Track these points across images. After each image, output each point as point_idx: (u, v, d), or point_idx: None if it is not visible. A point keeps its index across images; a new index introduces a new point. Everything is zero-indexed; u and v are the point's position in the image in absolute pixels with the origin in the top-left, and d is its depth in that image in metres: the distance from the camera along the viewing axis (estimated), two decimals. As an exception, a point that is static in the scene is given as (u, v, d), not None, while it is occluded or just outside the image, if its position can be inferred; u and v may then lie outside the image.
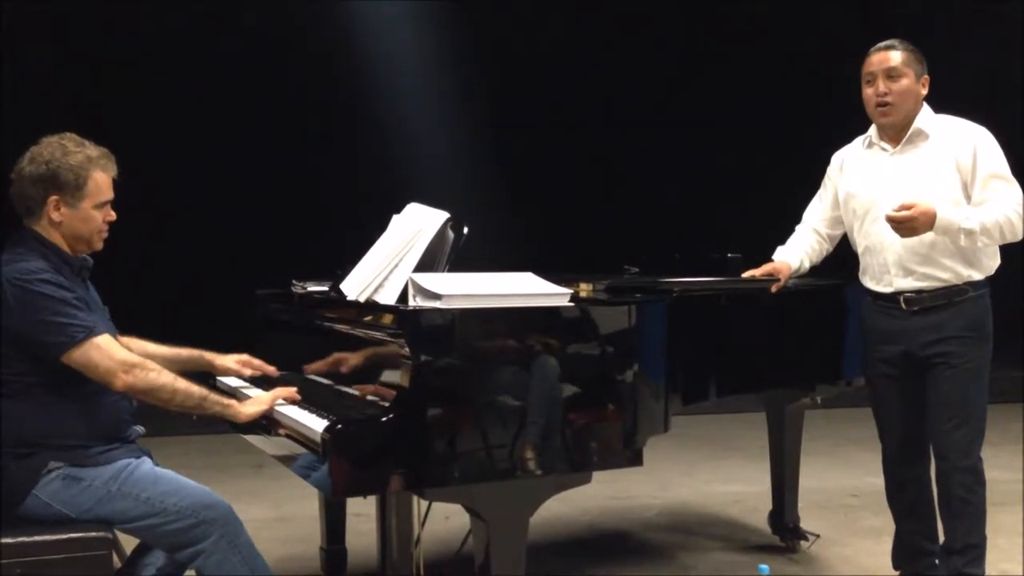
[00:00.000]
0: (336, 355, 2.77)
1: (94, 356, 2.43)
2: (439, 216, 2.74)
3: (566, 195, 7.63)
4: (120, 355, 2.47)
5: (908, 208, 2.89)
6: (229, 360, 2.97)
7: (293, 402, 2.62)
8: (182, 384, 2.54)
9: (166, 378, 2.51)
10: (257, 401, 2.64)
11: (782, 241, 3.49)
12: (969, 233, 2.93)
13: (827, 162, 3.43)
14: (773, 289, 3.30)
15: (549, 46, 7.74)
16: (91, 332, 2.44)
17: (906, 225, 2.90)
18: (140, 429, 2.70)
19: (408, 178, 7.16)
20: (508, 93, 7.68)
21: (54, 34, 6.90)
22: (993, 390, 3.19)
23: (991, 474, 3.11)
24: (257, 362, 2.97)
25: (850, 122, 3.34)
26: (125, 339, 2.73)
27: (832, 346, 3.58)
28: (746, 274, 3.36)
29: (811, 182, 3.52)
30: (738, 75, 7.82)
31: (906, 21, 3.21)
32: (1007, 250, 3.10)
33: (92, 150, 2.55)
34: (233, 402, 2.64)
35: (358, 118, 7.62)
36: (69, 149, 2.52)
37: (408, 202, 2.90)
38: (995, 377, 3.17)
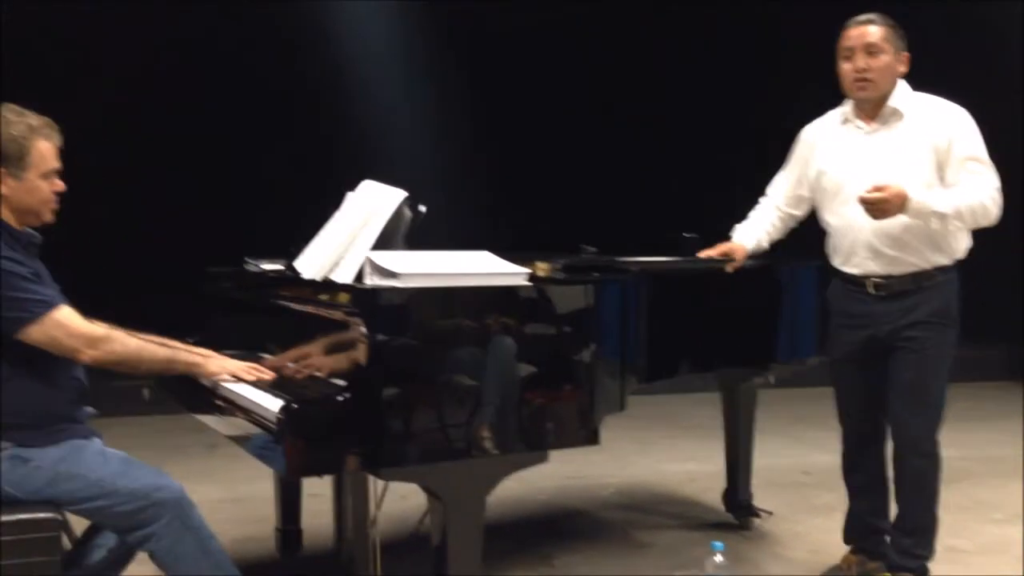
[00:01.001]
0: (292, 335, 2.74)
1: (56, 332, 2.39)
2: (397, 194, 2.71)
3: (525, 175, 7.62)
4: (84, 329, 2.43)
5: (880, 190, 2.86)
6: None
7: (253, 381, 2.58)
8: (147, 351, 2.52)
9: (131, 347, 2.48)
10: (227, 363, 2.61)
11: (738, 221, 3.50)
12: (942, 216, 2.91)
13: (785, 138, 3.40)
14: (728, 269, 3.32)
15: (522, 26, 7.71)
16: (50, 306, 2.39)
17: (878, 207, 2.88)
18: (91, 410, 2.65)
19: (366, 158, 7.09)
20: (472, 71, 7.63)
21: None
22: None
23: (938, 451, 3.17)
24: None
25: (806, 97, 3.35)
26: (98, 323, 2.67)
27: (786, 325, 3.61)
28: (702, 254, 3.38)
29: (769, 162, 3.52)
30: (699, 57, 7.84)
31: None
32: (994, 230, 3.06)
33: (33, 119, 2.48)
34: (199, 359, 2.61)
35: (315, 100, 7.54)
36: (9, 120, 2.45)
37: (365, 180, 2.87)
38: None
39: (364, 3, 7.67)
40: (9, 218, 2.48)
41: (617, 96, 7.81)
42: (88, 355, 2.43)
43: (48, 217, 2.56)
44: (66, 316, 2.42)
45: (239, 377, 2.59)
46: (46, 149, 2.50)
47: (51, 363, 2.44)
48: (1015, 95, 6.99)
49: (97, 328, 2.47)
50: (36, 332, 2.38)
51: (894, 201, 2.87)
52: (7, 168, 2.44)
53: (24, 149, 2.45)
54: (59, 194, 2.56)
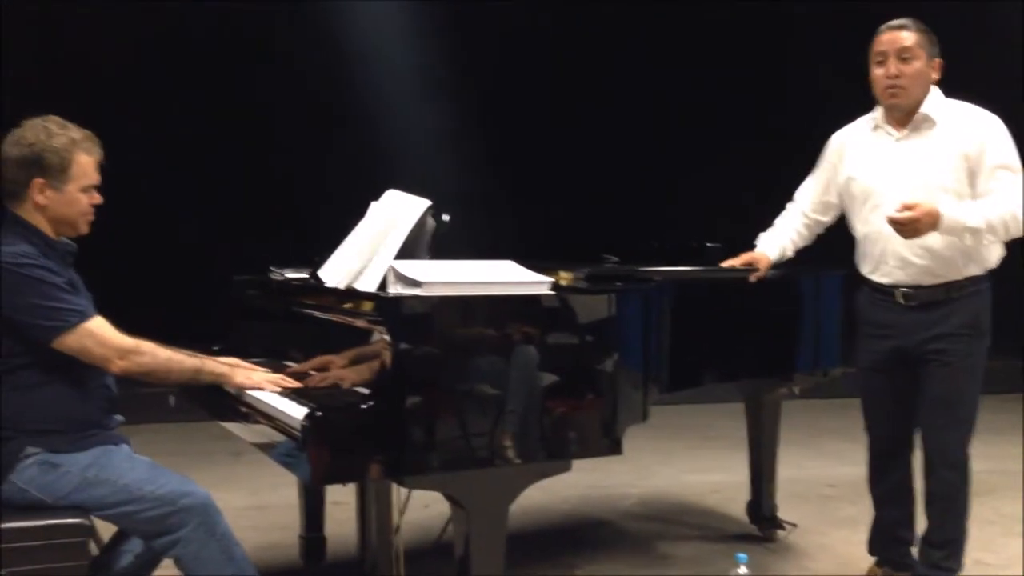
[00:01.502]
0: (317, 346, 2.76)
1: (87, 342, 2.43)
2: (420, 203, 2.73)
3: (548, 186, 7.62)
4: (115, 340, 2.46)
5: (911, 208, 2.80)
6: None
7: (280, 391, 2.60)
8: (175, 361, 2.55)
9: (160, 358, 2.52)
10: (252, 375, 2.63)
11: (760, 232, 3.49)
12: (975, 232, 2.86)
13: (811, 145, 3.38)
14: (752, 279, 3.30)
15: (535, 35, 7.73)
16: (84, 316, 2.43)
17: (909, 227, 2.82)
18: (119, 418, 2.68)
19: (389, 166, 7.13)
20: (492, 83, 7.65)
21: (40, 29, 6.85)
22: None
23: (966, 463, 3.14)
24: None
25: (829, 108, 3.33)
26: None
27: (809, 335, 3.60)
28: (725, 264, 3.37)
29: (792, 170, 3.51)
30: (721, 67, 7.82)
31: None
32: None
33: (76, 132, 2.53)
34: (225, 369, 2.64)
35: (338, 109, 7.58)
36: (53, 131, 2.49)
37: (388, 188, 2.89)
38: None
39: (393, 29, 7.68)
40: (46, 228, 2.52)
41: (639, 103, 7.80)
42: (118, 365, 2.46)
43: (84, 229, 2.60)
44: (98, 326, 2.46)
45: (265, 389, 2.61)
46: (87, 163, 2.54)
47: (82, 371, 2.48)
48: (1015, 95, 6.93)
49: (128, 339, 2.50)
50: (69, 341, 2.42)
51: (925, 220, 2.80)
52: (47, 179, 2.49)
53: (66, 162, 2.49)
54: (95, 207, 2.60)
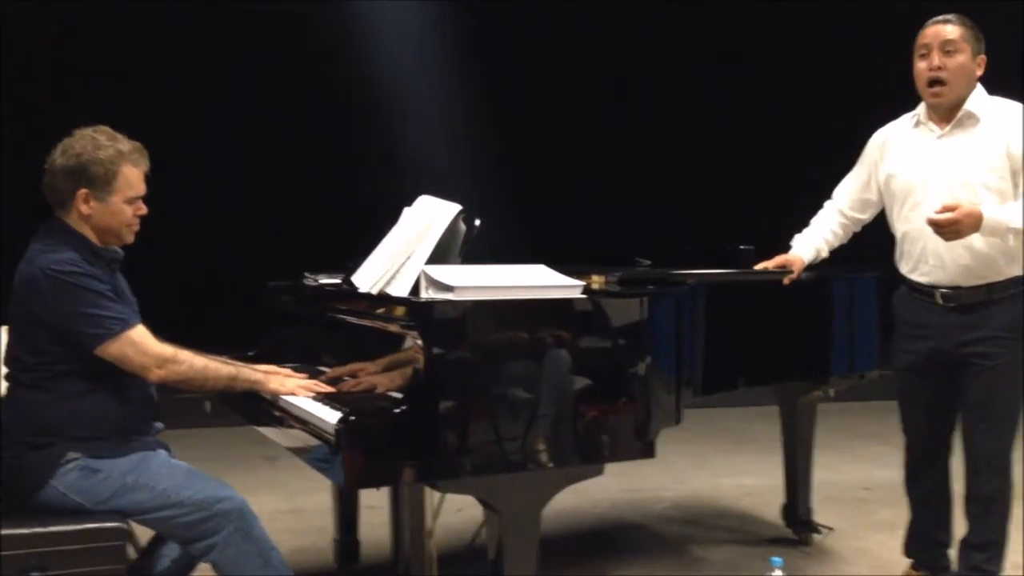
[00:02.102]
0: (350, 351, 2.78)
1: (128, 351, 2.46)
2: (451, 208, 2.74)
3: (579, 188, 7.62)
4: (154, 349, 2.50)
5: (951, 209, 2.75)
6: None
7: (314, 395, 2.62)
8: (212, 369, 2.58)
9: (197, 367, 2.55)
10: (287, 381, 2.66)
11: (794, 234, 3.46)
12: (1017, 233, 2.81)
13: (843, 152, 3.35)
14: (786, 281, 3.28)
15: (557, 35, 7.73)
16: (127, 324, 2.47)
17: (950, 229, 2.77)
18: (160, 425, 2.72)
19: (419, 172, 7.16)
20: (518, 86, 7.66)
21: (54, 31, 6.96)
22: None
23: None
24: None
25: (859, 116, 3.30)
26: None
27: (844, 338, 3.56)
28: (758, 266, 3.35)
29: (823, 173, 3.48)
30: (746, 69, 7.78)
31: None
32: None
33: (124, 144, 2.56)
34: (260, 376, 2.67)
35: (368, 114, 7.63)
36: (101, 143, 2.52)
37: (419, 194, 2.90)
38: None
39: (419, 34, 7.71)
40: (91, 235, 2.56)
41: (667, 104, 7.77)
42: (156, 374, 2.50)
43: (129, 239, 2.63)
44: (139, 335, 2.49)
45: (300, 395, 2.63)
46: (133, 175, 2.57)
47: (125, 378, 2.52)
48: (1015, 94, 6.81)
49: (167, 348, 2.53)
50: (111, 348, 2.45)
51: (966, 221, 2.75)
52: (92, 190, 2.52)
53: (111, 174, 2.52)
54: (141, 217, 2.62)
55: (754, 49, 7.71)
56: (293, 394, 2.62)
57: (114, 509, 2.46)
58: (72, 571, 2.37)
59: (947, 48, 2.94)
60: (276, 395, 2.64)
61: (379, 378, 2.54)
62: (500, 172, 7.49)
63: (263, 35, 7.30)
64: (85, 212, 2.52)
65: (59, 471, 2.45)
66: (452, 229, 2.71)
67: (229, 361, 2.71)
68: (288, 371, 2.77)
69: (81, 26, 6.91)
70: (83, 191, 2.51)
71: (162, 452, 2.61)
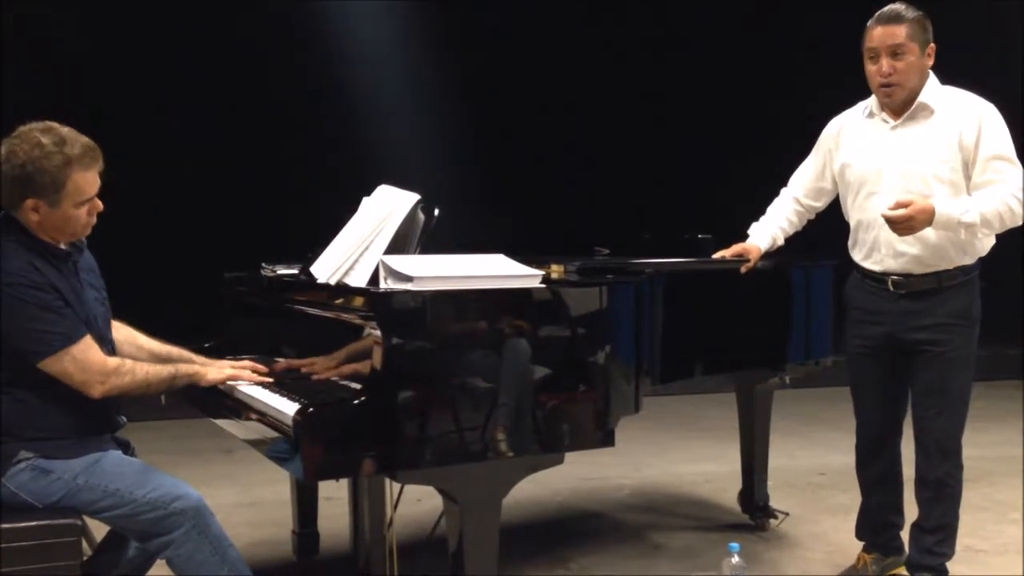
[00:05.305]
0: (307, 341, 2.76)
1: (69, 367, 2.38)
2: (410, 197, 2.72)
3: (538, 178, 7.63)
4: (96, 365, 2.41)
5: (904, 206, 2.80)
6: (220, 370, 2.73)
7: (262, 384, 2.61)
8: (153, 374, 2.53)
9: (139, 376, 2.49)
10: (225, 369, 2.65)
11: (751, 221, 3.49)
12: (969, 226, 2.85)
13: (800, 139, 3.38)
14: (743, 270, 3.31)
15: (527, 28, 7.73)
16: (68, 340, 2.37)
17: (903, 225, 2.82)
18: (123, 420, 2.67)
19: (379, 161, 7.12)
20: (481, 77, 7.66)
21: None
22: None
23: (957, 451, 3.15)
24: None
25: (826, 99, 3.32)
26: (116, 323, 2.71)
27: (800, 326, 3.61)
28: (716, 255, 3.37)
29: (783, 162, 3.51)
30: (709, 57, 7.83)
31: None
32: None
33: (73, 147, 2.38)
34: (197, 368, 2.65)
35: (327, 104, 7.58)
36: (47, 149, 2.35)
37: (379, 184, 2.88)
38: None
39: (383, 23, 7.69)
40: (43, 236, 2.45)
41: (627, 94, 7.81)
42: (99, 390, 2.42)
43: (82, 236, 2.55)
44: (81, 351, 2.39)
45: (239, 379, 2.64)
46: (84, 180, 2.41)
47: None
48: (1015, 95, 6.95)
49: (109, 362, 2.44)
50: (52, 365, 2.37)
51: (919, 217, 2.80)
52: (40, 199, 2.38)
53: (59, 182, 2.37)
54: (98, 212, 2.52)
55: (705, 36, 7.77)
56: (231, 380, 2.62)
57: (66, 508, 2.41)
58: (26, 568, 2.33)
59: (896, 52, 2.94)
60: (214, 384, 2.64)
61: (337, 365, 2.52)
62: (465, 162, 7.49)
63: (228, 22, 7.22)
64: (35, 219, 2.41)
65: (10, 470, 2.39)
66: (411, 219, 2.69)
67: (175, 354, 2.71)
68: (229, 361, 2.74)
69: (42, 14, 6.79)
70: (30, 201, 2.38)
71: (114, 452, 2.54)
